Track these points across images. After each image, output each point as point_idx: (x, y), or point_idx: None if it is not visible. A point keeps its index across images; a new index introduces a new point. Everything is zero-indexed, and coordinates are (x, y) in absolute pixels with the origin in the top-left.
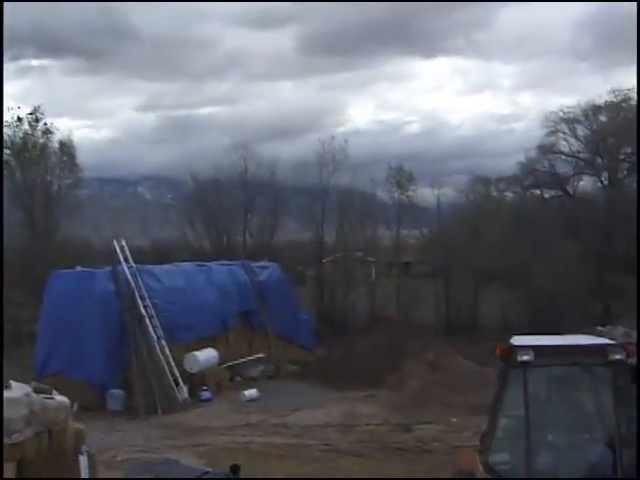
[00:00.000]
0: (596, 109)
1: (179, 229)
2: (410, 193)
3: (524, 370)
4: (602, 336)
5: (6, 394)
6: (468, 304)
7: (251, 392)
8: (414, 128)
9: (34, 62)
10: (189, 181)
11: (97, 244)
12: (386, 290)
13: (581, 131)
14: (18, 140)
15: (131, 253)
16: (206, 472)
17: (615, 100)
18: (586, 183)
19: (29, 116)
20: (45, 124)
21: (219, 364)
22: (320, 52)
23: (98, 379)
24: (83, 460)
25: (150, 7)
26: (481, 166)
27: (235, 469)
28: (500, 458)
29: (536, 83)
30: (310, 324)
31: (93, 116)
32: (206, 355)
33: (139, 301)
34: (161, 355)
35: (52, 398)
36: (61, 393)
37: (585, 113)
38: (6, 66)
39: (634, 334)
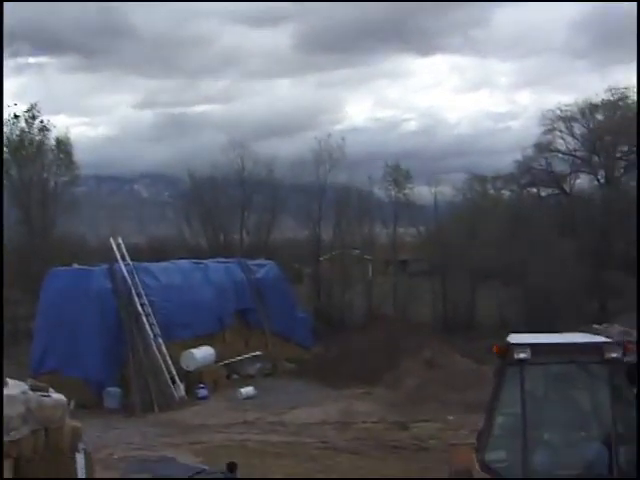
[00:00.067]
0: (593, 107)
1: (176, 227)
2: (407, 191)
3: (521, 368)
4: (598, 334)
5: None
6: (465, 302)
7: (248, 390)
8: (411, 126)
9: (31, 59)
10: (186, 179)
11: (94, 242)
12: (383, 288)
13: (578, 129)
14: (15, 137)
15: (128, 251)
16: (202, 470)
17: (612, 98)
18: (583, 181)
19: (26, 113)
20: (42, 121)
21: (216, 362)
22: (317, 50)
23: (95, 377)
24: (80, 458)
25: (148, 5)
26: (478, 164)
27: (232, 467)
28: (497, 456)
29: (533, 81)
30: (307, 322)
31: (90, 113)
32: (203, 353)
33: (136, 299)
34: (158, 353)
35: (48, 396)
36: (58, 391)
37: (582, 111)
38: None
39: (631, 332)
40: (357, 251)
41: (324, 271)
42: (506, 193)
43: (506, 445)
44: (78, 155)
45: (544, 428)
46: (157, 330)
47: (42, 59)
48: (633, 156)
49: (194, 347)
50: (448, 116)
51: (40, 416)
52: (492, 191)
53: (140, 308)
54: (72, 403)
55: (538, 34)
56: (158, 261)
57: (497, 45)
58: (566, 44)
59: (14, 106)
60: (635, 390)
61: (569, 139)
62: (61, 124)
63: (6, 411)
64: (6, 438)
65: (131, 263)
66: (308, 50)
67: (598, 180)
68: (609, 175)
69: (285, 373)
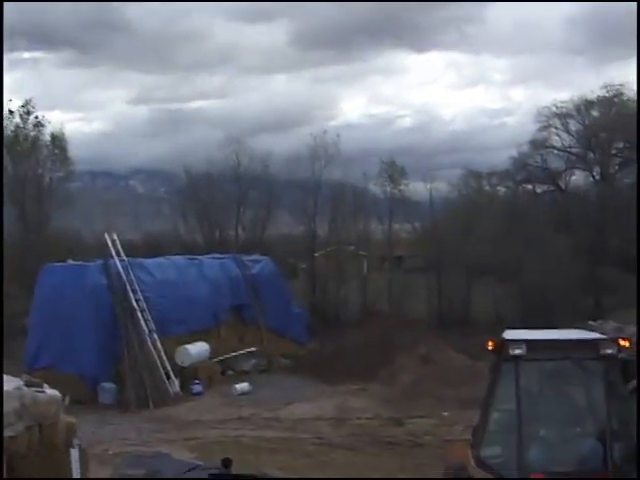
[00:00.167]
0: (588, 104)
1: (171, 223)
2: (402, 187)
3: (516, 364)
4: (594, 330)
5: None
6: (460, 298)
7: (243, 386)
8: (406, 122)
9: (26, 54)
10: (182, 175)
11: (89, 237)
12: (378, 284)
13: (573, 126)
14: (9, 133)
15: (123, 246)
16: (197, 466)
17: (607, 95)
18: (578, 178)
19: (20, 109)
20: (36, 117)
21: (211, 358)
22: (313, 46)
23: (90, 372)
24: (74, 454)
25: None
26: (473, 160)
27: (227, 463)
28: (492, 452)
29: (529, 77)
30: (302, 318)
31: (85, 109)
32: (198, 349)
33: (131, 294)
34: (153, 349)
35: (43, 392)
36: (52, 387)
37: (577, 108)
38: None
39: (625, 329)
40: (352, 247)
41: (319, 267)
42: (501, 189)
43: (501, 441)
44: (73, 151)
45: (539, 424)
46: (152, 326)
47: (37, 54)
48: (628, 153)
49: (189, 343)
50: (443, 112)
51: (34, 412)
52: (487, 187)
53: (135, 304)
54: (67, 399)
55: (533, 30)
56: (153, 257)
57: (492, 41)
58: (562, 40)
59: (9, 102)
60: (629, 386)
61: (564, 136)
62: (56, 120)
63: None
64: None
65: (126, 259)
66: (303, 46)
67: (593, 177)
68: (604, 172)
69: (280, 369)
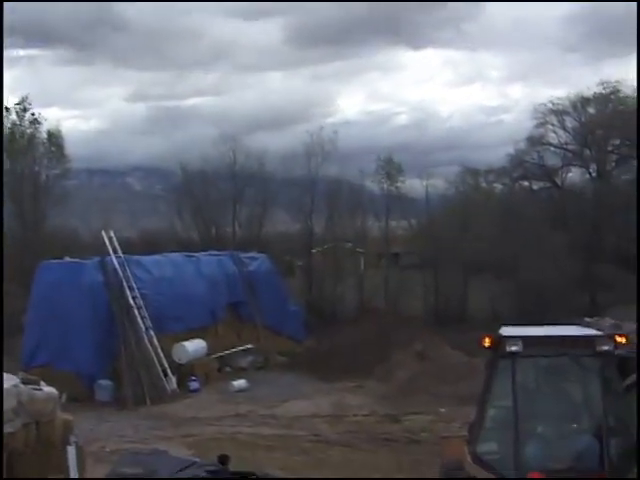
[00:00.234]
0: (585, 101)
1: (168, 220)
2: (399, 184)
3: (512, 360)
4: (590, 327)
5: None
6: (457, 295)
7: (240, 383)
8: (403, 119)
9: (22, 52)
10: (178, 172)
11: (86, 235)
12: (375, 281)
13: (570, 123)
14: (6, 130)
15: (120, 244)
16: (194, 463)
17: (604, 92)
18: (574, 175)
19: (17, 106)
20: (33, 114)
21: (208, 355)
22: (309, 43)
23: (86, 370)
24: (71, 451)
25: None
26: (470, 158)
27: (223, 460)
28: (488, 448)
29: (525, 75)
30: (299, 315)
31: (82, 106)
32: (195, 346)
33: (128, 292)
34: (150, 346)
35: (40, 389)
36: (49, 384)
37: (574, 105)
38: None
39: (622, 325)
40: (349, 244)
41: (316, 264)
42: (498, 186)
43: (498, 437)
44: (70, 148)
45: (536, 420)
46: (149, 323)
47: (33, 52)
48: (625, 149)
49: (186, 340)
50: (440, 109)
51: (31, 409)
52: (484, 184)
53: (132, 301)
54: (64, 396)
55: (530, 27)
56: (150, 254)
57: (489, 39)
58: (558, 37)
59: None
60: (625, 383)
61: (561, 132)
62: (53, 117)
63: None
64: None
65: (123, 256)
66: (300, 43)
67: (590, 173)
68: (601, 169)
69: (277, 366)
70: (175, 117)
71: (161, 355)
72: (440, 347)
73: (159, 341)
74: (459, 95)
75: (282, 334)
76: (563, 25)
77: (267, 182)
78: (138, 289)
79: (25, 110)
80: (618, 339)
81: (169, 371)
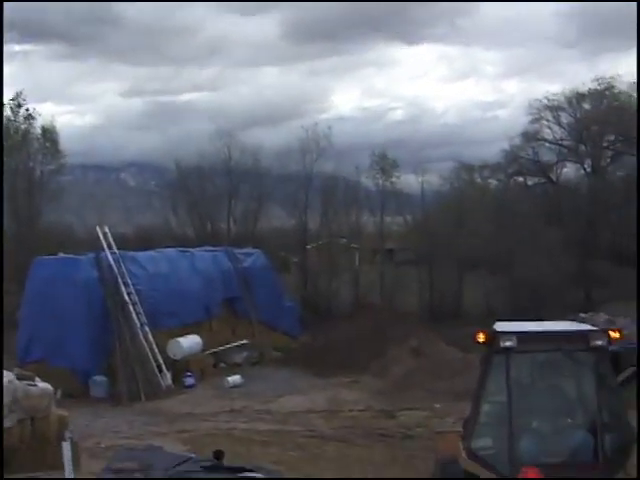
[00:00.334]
0: (580, 97)
1: (163, 216)
2: (394, 180)
3: (507, 356)
4: (584, 322)
5: None
6: (452, 291)
7: (235, 378)
8: (398, 115)
9: (17, 47)
10: (173, 168)
11: (80, 231)
12: (370, 277)
13: (565, 118)
14: None
15: (114, 240)
16: (189, 458)
17: (599, 88)
18: (569, 170)
19: (11, 102)
20: (27, 109)
21: (203, 350)
22: (305, 38)
23: (81, 366)
24: (66, 447)
25: None
26: (465, 153)
27: (219, 455)
28: (483, 443)
29: (521, 70)
30: (294, 311)
31: (76, 102)
32: (190, 341)
33: (122, 287)
34: (144, 341)
35: (35, 385)
36: (44, 380)
37: (569, 100)
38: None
39: (616, 321)
40: (344, 240)
41: (311, 260)
42: (493, 182)
43: (492, 433)
44: (64, 144)
45: (530, 416)
46: (144, 319)
47: (28, 47)
48: (619, 145)
49: (181, 336)
50: (435, 105)
51: (26, 405)
52: (479, 180)
53: (127, 297)
54: (59, 392)
55: (525, 23)
56: (145, 250)
57: (484, 34)
58: (554, 33)
59: None
60: (619, 378)
61: (556, 128)
62: (47, 112)
63: None
64: None
65: (117, 252)
66: (295, 39)
67: (585, 169)
68: (595, 164)
69: (272, 362)
70: (170, 113)
71: (156, 351)
72: (435, 343)
73: (154, 337)
74: (454, 91)
75: (277, 330)
76: (559, 21)
77: (262, 178)
78: (133, 285)
79: (19, 105)
80: (612, 334)
81: (164, 367)
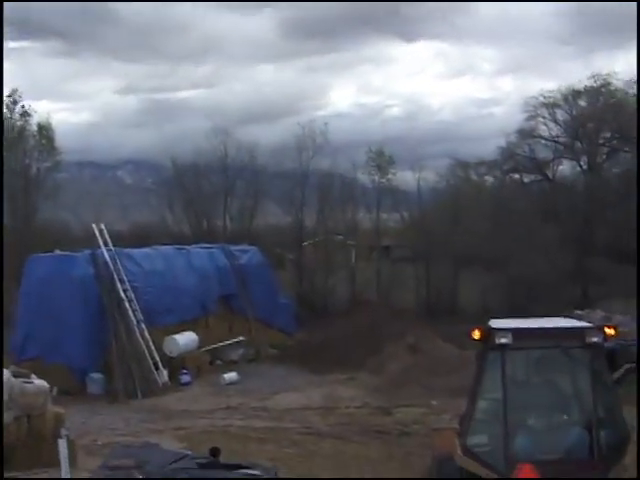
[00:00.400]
0: (576, 94)
1: (159, 213)
2: (390, 177)
3: (502, 353)
4: (580, 319)
5: None
6: (448, 288)
7: (231, 375)
8: (395, 112)
9: (12, 44)
10: (169, 165)
11: (76, 228)
12: (366, 274)
13: (561, 116)
14: None
15: (110, 237)
16: (186, 455)
17: (595, 85)
18: (565, 167)
19: (7, 98)
20: (23, 106)
21: (199, 348)
22: (301, 35)
23: (78, 363)
24: (62, 444)
25: None
26: (461, 150)
27: (215, 452)
28: (479, 440)
29: (516, 67)
30: (290, 308)
31: (72, 99)
32: (186, 339)
33: (118, 285)
34: (141, 339)
35: (31, 382)
36: (41, 378)
37: (565, 98)
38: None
39: (612, 318)
40: (340, 237)
41: (307, 257)
42: (489, 179)
43: (488, 429)
44: (60, 141)
45: (526, 412)
46: (140, 316)
47: (24, 44)
48: (615, 142)
49: (177, 333)
50: (431, 102)
51: (22, 403)
52: (475, 177)
53: (123, 294)
54: (54, 390)
55: (521, 20)
56: (141, 247)
57: (480, 31)
58: (550, 30)
59: None
60: (615, 375)
61: (552, 125)
62: (43, 109)
63: None
64: None
65: (114, 249)
66: (292, 36)
67: (581, 166)
68: (591, 161)
69: (268, 359)
70: (166, 110)
71: (152, 348)
72: (432, 340)
73: (150, 334)
74: (450, 88)
75: (273, 327)
76: (555, 18)
77: (258, 175)
78: (129, 282)
79: (15, 103)
80: (607, 331)
81: (160, 364)
